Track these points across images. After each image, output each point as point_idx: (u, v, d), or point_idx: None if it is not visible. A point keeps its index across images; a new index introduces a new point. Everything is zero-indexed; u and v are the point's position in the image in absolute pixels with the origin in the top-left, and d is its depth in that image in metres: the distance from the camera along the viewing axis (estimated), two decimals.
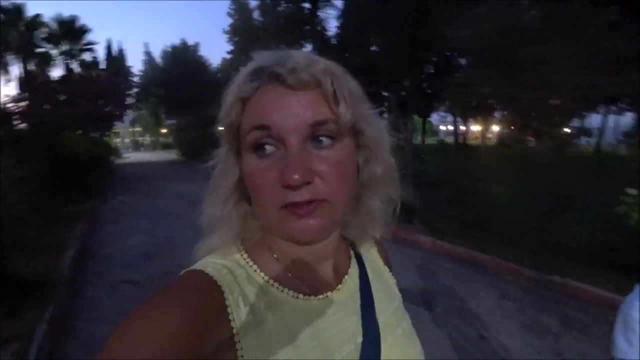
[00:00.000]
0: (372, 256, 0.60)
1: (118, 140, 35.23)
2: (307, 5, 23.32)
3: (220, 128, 0.46)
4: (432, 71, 21.10)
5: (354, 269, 0.54)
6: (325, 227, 0.42)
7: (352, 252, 0.57)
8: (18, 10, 19.55)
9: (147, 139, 41.49)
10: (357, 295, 0.51)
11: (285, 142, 0.39)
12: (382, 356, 0.47)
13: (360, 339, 0.47)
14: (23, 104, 11.03)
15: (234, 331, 0.39)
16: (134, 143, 40.64)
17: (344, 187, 0.42)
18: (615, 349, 1.21)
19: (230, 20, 26.77)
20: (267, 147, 0.40)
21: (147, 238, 5.45)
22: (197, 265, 0.44)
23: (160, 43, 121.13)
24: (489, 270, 4.18)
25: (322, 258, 0.49)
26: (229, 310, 0.39)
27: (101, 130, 16.66)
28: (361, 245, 0.58)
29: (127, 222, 6.52)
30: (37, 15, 20.55)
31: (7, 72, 20.30)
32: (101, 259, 4.58)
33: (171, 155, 25.06)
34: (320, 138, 0.40)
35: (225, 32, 26.51)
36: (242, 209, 0.46)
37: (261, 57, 0.42)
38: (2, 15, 16.18)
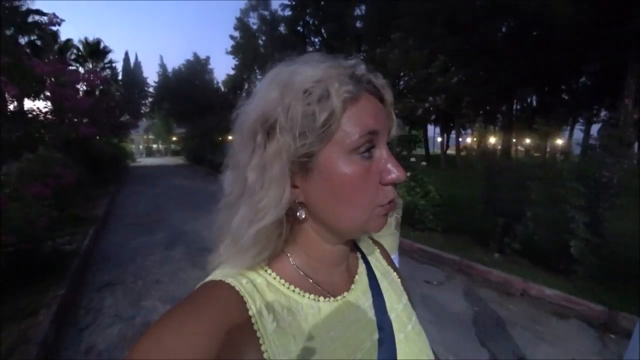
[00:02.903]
0: (376, 256, 0.63)
1: (133, 146, 38.78)
2: (300, 29, 26.52)
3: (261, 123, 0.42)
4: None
5: (362, 268, 0.56)
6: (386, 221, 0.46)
7: (358, 252, 0.59)
8: (54, 36, 23.20)
9: (159, 146, 45.13)
10: (369, 294, 0.53)
11: (380, 147, 0.43)
12: (397, 351, 0.49)
13: (376, 335, 0.49)
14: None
15: (260, 340, 0.39)
16: (147, 149, 44.25)
17: None
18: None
19: (232, 42, 29.61)
20: (369, 150, 0.42)
21: (145, 206, 8.56)
22: (216, 276, 0.44)
23: (175, 54, 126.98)
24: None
25: (341, 260, 0.51)
26: (252, 320, 0.40)
27: (118, 137, 19.99)
28: (364, 244, 0.62)
29: (135, 199, 9.67)
30: (69, 40, 24.23)
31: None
32: (118, 214, 7.62)
33: (179, 160, 28.49)
34: (387, 144, 0.45)
35: (228, 52, 29.52)
36: (282, 225, 0.44)
37: (349, 64, 0.44)
38: (40, 42, 19.68)
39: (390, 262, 0.65)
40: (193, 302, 0.39)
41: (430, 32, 11.07)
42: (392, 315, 0.52)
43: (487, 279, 3.94)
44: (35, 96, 4.44)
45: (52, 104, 5.60)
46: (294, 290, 0.46)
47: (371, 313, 0.50)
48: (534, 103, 19.34)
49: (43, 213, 3.54)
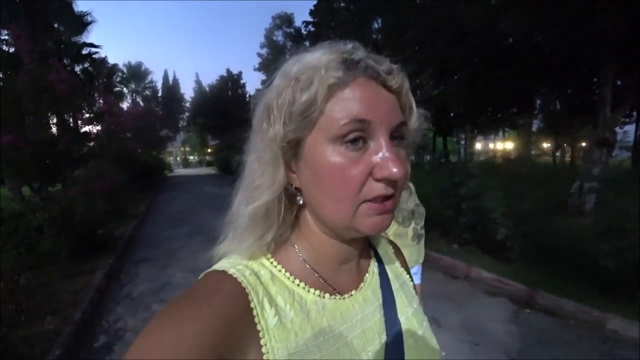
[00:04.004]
0: (390, 256, 0.60)
1: (171, 158, 41.81)
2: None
3: (261, 112, 0.44)
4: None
5: (374, 267, 0.54)
6: (390, 222, 0.42)
7: (371, 250, 0.57)
8: (103, 60, 26.15)
9: (195, 157, 48.10)
10: (379, 294, 0.51)
11: (377, 138, 0.39)
12: (405, 356, 0.47)
13: (384, 338, 0.47)
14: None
15: (260, 334, 0.38)
16: (184, 160, 47.24)
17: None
18: None
19: (259, 59, 31.59)
20: (360, 140, 0.39)
21: (179, 207, 10.10)
22: (220, 266, 0.44)
23: (210, 69, 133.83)
24: None
25: (349, 257, 0.49)
26: (254, 312, 0.39)
27: (158, 149, 22.31)
28: (378, 243, 0.60)
29: (170, 202, 11.29)
30: (115, 65, 27.19)
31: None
32: (154, 213, 9.13)
33: (212, 170, 30.62)
34: (397, 137, 0.42)
35: (255, 69, 31.49)
36: (281, 208, 0.44)
37: (345, 49, 0.42)
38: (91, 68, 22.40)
39: (403, 264, 0.62)
40: (194, 294, 0.38)
41: (435, 44, 11.82)
42: (402, 319, 0.50)
43: (438, 264, 4.70)
44: (97, 123, 6.03)
45: (105, 126, 7.20)
46: (298, 285, 0.44)
47: (380, 314, 0.49)
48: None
49: (100, 206, 4.91)
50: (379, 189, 0.39)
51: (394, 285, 0.54)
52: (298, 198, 0.45)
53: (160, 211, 9.45)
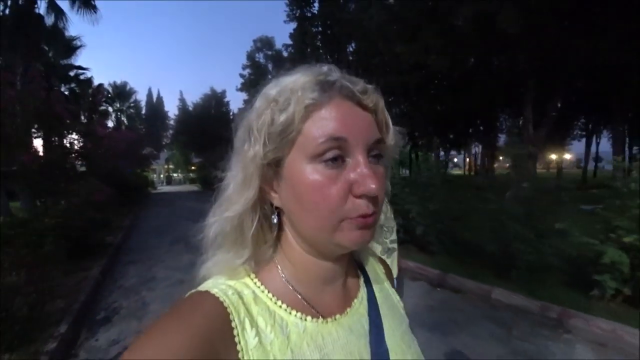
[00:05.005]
0: (379, 277, 0.60)
1: (154, 175, 41.91)
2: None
3: (239, 134, 0.46)
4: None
5: (362, 291, 0.54)
6: (371, 239, 0.43)
7: (360, 273, 0.57)
8: (89, 81, 26.65)
9: (178, 175, 48.23)
10: (366, 319, 0.50)
11: (354, 155, 0.41)
12: None
13: None
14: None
15: (240, 354, 0.39)
16: (167, 178, 47.21)
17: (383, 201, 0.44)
18: None
19: (242, 80, 32.74)
20: (338, 158, 0.40)
21: (160, 220, 10.86)
22: (204, 287, 0.44)
23: (194, 87, 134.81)
24: None
25: (334, 278, 0.49)
26: (234, 332, 0.40)
27: (142, 167, 22.88)
28: (367, 262, 0.60)
29: (152, 217, 11.99)
30: (100, 84, 27.78)
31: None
32: (139, 226, 9.83)
33: (194, 187, 31.18)
34: (375, 154, 0.43)
35: (238, 89, 32.60)
36: (258, 225, 0.45)
37: (321, 71, 0.43)
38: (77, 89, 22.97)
39: (391, 281, 0.63)
40: (176, 313, 0.39)
41: (398, 70, 13.17)
42: (390, 342, 0.50)
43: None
44: (93, 146, 6.94)
45: (101, 148, 8.15)
46: (280, 306, 0.45)
47: (366, 340, 0.48)
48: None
49: (93, 216, 5.72)
50: (361, 206, 0.40)
51: (382, 309, 0.54)
52: (273, 217, 0.46)
53: (145, 224, 10.22)
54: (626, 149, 23.39)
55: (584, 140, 21.67)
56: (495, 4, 5.59)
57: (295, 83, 0.42)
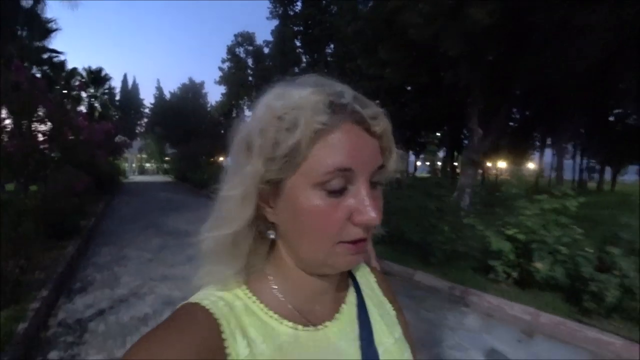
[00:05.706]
0: (371, 285, 0.60)
1: (126, 164, 41.08)
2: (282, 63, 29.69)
3: (239, 150, 0.43)
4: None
5: (351, 297, 0.54)
6: (362, 260, 0.46)
7: (349, 279, 0.57)
8: (62, 65, 26.07)
9: (152, 165, 47.51)
10: (356, 325, 0.51)
11: (357, 183, 0.40)
12: None
13: None
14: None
15: None
16: (140, 168, 46.49)
17: None
18: None
19: (220, 73, 32.69)
20: (342, 188, 0.40)
21: (132, 208, 11.30)
22: (194, 298, 0.44)
23: (173, 78, 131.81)
24: None
25: (326, 289, 0.49)
26: (225, 343, 0.40)
27: (113, 156, 22.69)
28: (357, 271, 0.60)
29: (124, 205, 12.38)
30: (74, 69, 27.21)
31: None
32: (111, 215, 10.21)
33: (168, 178, 31.14)
34: (376, 181, 0.43)
35: (216, 82, 32.56)
36: (251, 242, 0.45)
37: (333, 90, 0.41)
38: (50, 72, 22.58)
39: (388, 293, 0.62)
40: (167, 325, 0.39)
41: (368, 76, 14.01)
42: (381, 349, 0.50)
43: (367, 263, 6.38)
44: (75, 136, 7.27)
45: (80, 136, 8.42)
46: (271, 316, 0.44)
47: (356, 345, 0.48)
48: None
49: (69, 202, 6.18)
50: (357, 233, 0.40)
51: (374, 316, 0.53)
52: (269, 232, 0.46)
53: (117, 212, 10.61)
54: (577, 159, 25.56)
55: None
56: (435, 28, 6.44)
57: (304, 100, 0.39)
